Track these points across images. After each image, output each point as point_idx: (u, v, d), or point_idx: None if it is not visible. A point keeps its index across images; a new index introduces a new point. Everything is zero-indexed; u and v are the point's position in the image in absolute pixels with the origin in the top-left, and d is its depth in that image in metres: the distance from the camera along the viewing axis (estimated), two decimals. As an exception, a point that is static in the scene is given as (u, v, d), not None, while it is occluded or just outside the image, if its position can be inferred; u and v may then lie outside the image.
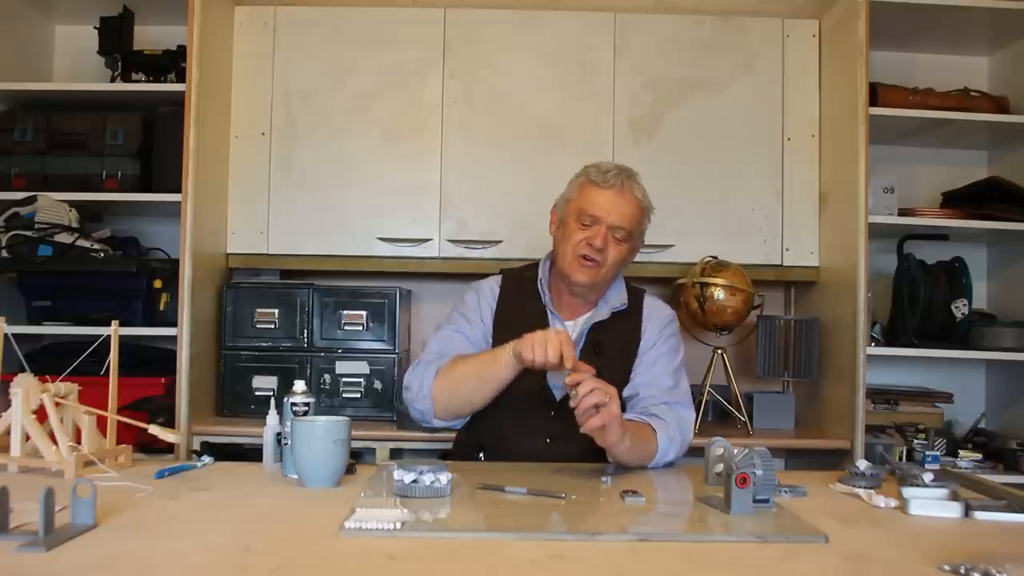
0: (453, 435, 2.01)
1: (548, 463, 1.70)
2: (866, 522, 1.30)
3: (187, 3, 2.42)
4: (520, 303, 1.92)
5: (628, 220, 1.84)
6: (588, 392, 1.52)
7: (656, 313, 1.94)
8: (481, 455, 1.86)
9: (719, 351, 2.59)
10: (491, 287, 1.97)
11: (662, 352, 1.89)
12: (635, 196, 1.85)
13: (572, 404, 1.54)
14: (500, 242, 2.65)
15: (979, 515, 1.31)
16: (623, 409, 1.70)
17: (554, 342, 1.61)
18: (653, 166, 2.66)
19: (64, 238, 2.49)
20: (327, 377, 2.55)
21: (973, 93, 2.76)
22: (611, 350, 1.87)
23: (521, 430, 1.83)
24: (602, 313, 1.89)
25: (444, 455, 2.13)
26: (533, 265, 2.00)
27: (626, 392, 1.86)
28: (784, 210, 2.71)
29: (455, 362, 1.80)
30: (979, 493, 1.49)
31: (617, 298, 1.92)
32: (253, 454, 2.01)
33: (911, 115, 2.63)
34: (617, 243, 1.83)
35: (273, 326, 2.57)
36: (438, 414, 1.82)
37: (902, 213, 2.67)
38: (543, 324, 1.86)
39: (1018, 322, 2.69)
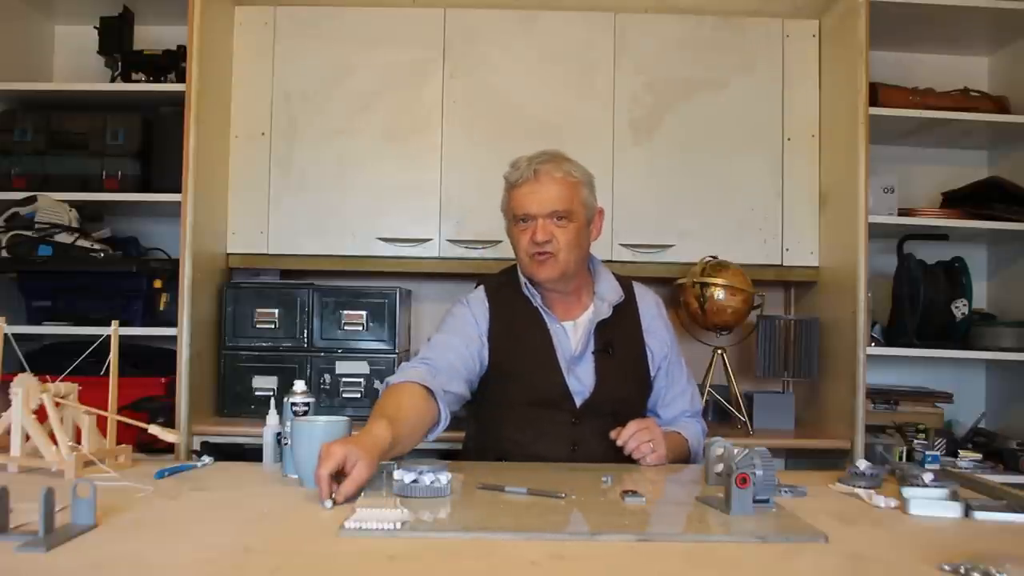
0: (454, 436, 2.01)
1: (547, 463, 1.70)
2: (866, 522, 1.30)
3: (187, 3, 2.42)
4: (512, 313, 1.88)
5: (558, 202, 1.79)
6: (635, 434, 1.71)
7: (646, 296, 1.97)
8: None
9: (719, 351, 2.59)
10: (482, 301, 1.90)
11: (674, 362, 1.95)
12: (555, 177, 1.80)
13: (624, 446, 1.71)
14: (500, 242, 2.64)
15: (979, 515, 1.31)
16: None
17: None
18: (653, 166, 2.70)
19: (64, 238, 2.49)
20: (327, 377, 2.55)
21: (973, 93, 2.76)
22: (621, 347, 1.86)
23: (543, 437, 1.80)
24: (603, 311, 1.86)
25: (444, 455, 2.13)
26: (506, 271, 1.97)
27: (658, 406, 1.95)
28: (784, 210, 2.71)
29: None
30: (979, 493, 1.48)
31: (613, 292, 1.90)
32: (253, 454, 2.00)
33: (911, 115, 2.63)
34: (561, 226, 1.79)
35: (273, 326, 2.57)
36: None
37: (902, 213, 2.67)
38: (542, 329, 1.85)
39: (1018, 322, 2.69)
